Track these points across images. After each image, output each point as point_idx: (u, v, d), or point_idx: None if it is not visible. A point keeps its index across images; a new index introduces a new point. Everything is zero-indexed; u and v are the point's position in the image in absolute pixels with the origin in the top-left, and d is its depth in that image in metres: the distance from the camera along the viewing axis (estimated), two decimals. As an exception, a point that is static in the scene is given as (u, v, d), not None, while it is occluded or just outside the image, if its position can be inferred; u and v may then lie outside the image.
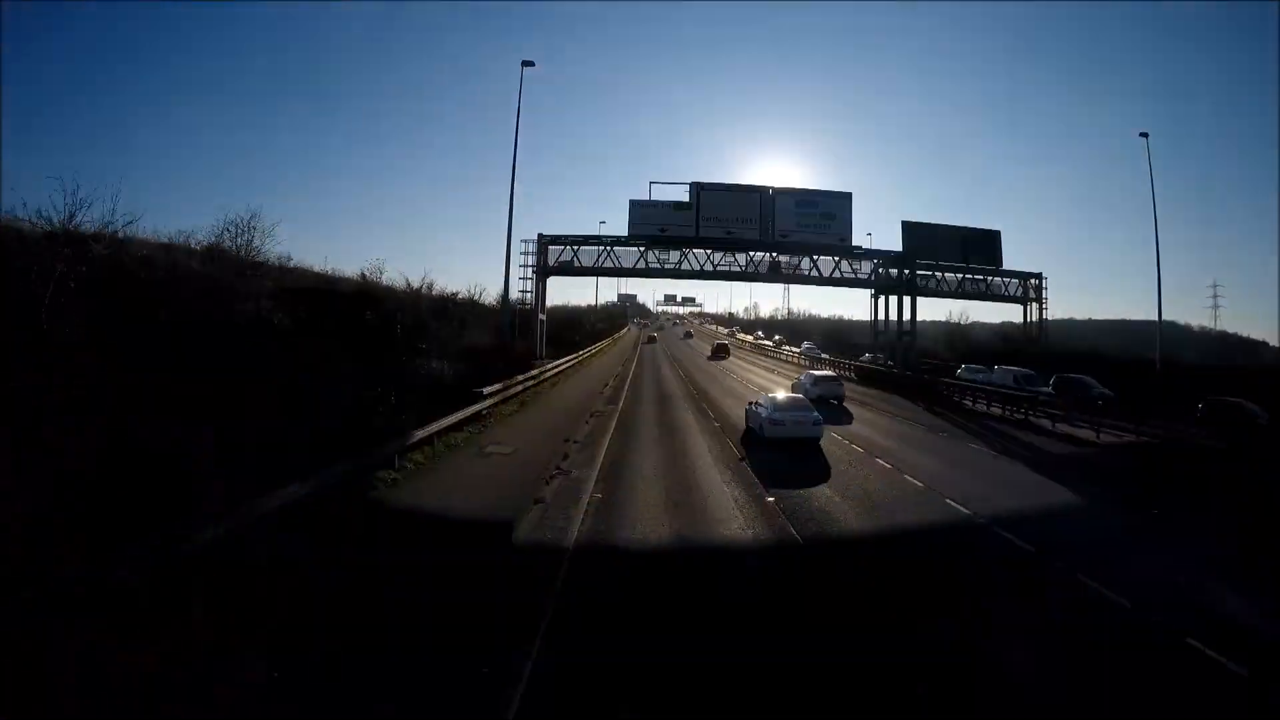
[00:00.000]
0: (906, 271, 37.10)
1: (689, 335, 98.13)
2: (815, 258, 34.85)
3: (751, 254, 34.42)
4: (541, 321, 33.67)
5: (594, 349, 53.21)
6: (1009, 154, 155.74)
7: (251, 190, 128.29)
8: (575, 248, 33.71)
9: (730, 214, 33.66)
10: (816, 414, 17.02)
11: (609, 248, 33.54)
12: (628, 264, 33.88)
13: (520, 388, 23.17)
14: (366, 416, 15.61)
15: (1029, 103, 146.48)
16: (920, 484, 13.06)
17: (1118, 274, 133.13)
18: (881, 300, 42.54)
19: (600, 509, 10.61)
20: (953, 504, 11.67)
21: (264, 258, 21.67)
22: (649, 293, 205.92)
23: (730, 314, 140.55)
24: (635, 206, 33.40)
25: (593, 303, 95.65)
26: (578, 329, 62.10)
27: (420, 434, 13.58)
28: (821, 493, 12.13)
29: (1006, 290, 48.45)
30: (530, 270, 33.07)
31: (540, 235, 33.15)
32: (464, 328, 30.18)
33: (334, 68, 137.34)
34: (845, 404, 25.12)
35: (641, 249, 33.92)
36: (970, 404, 27.24)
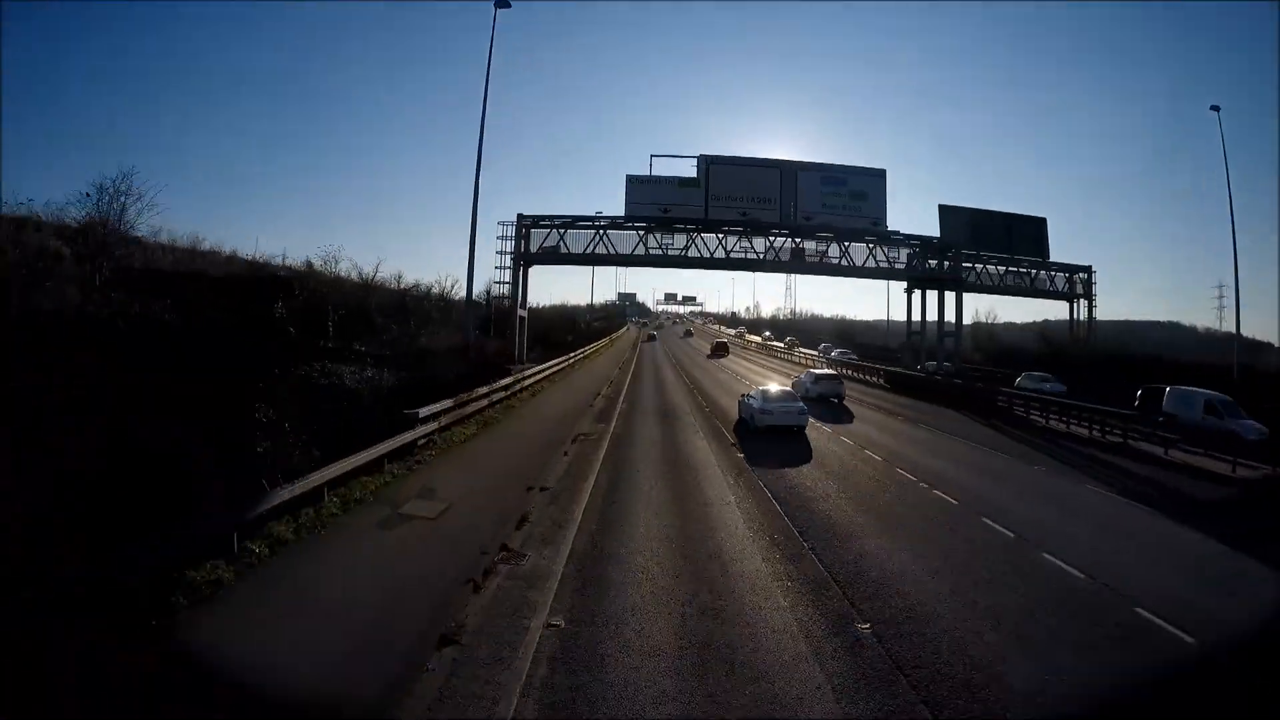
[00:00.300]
0: (948, 262, 32.29)
1: (689, 334, 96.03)
2: (846, 244, 29.91)
3: (772, 239, 29.49)
4: (522, 319, 28.78)
5: (588, 350, 48.34)
6: (1008, 151, 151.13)
7: (236, 186, 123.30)
8: (562, 231, 28.77)
9: (745, 192, 28.80)
10: (801, 404, 18.24)
11: (602, 231, 28.63)
12: (624, 250, 28.97)
13: (484, 401, 18.32)
14: (233, 456, 10.80)
15: (1034, 95, 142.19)
16: (1079, 573, 8.23)
17: (1110, 273, 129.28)
18: (916, 296, 37.95)
19: (559, 661, 5.74)
20: (1152, 619, 6.90)
21: (146, 233, 16.88)
22: (649, 291, 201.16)
23: (733, 313, 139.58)
24: (634, 183, 28.53)
25: (590, 301, 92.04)
26: (571, 328, 57.37)
27: (288, 493, 8.72)
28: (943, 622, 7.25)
29: (1053, 285, 44.02)
30: (508, 258, 28.14)
31: (520, 216, 28.25)
32: (428, 325, 25.38)
33: (324, 59, 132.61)
34: (911, 424, 20.53)
35: (641, 232, 29.01)
36: (1043, 421, 22.46)
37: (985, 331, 62.48)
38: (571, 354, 38.63)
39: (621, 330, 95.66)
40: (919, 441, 17.78)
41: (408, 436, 12.61)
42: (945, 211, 36.58)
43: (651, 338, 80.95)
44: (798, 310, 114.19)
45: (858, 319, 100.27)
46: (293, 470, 10.61)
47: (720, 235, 29.27)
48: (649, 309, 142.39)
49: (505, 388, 20.79)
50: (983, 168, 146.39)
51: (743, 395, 19.61)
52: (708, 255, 29.06)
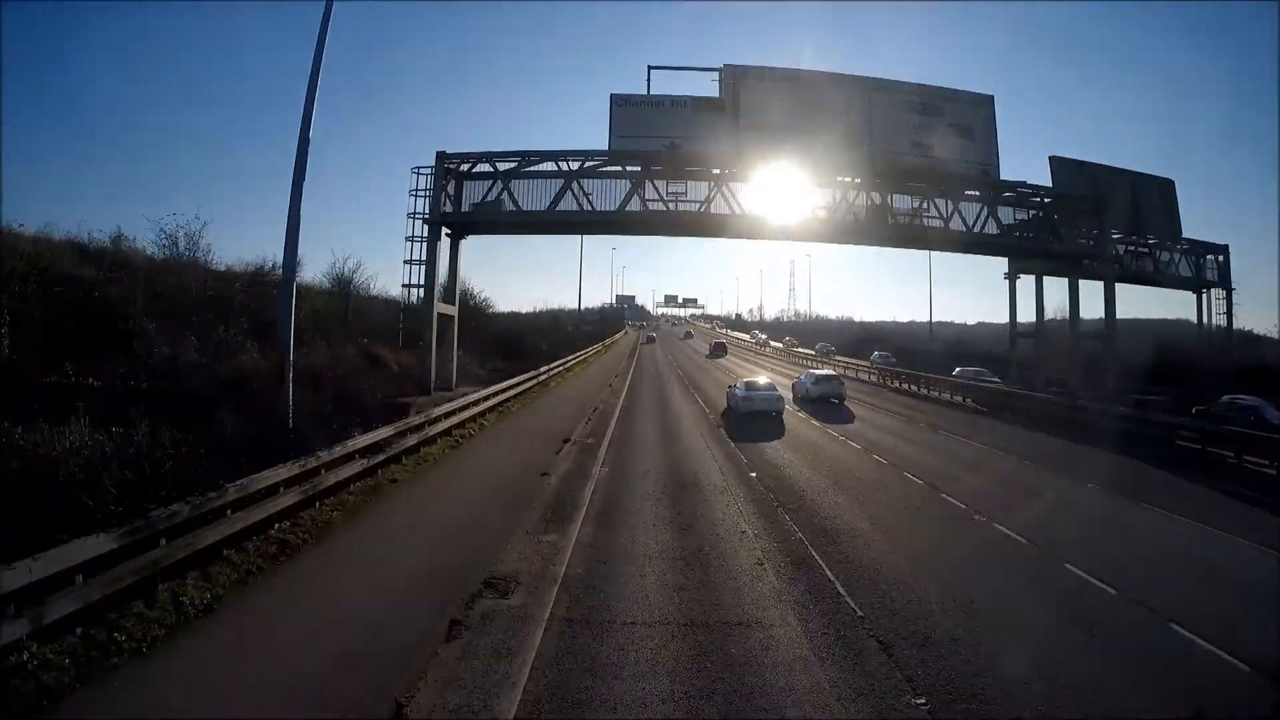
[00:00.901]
0: (1085, 234, 22.80)
1: (689, 335, 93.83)
2: (955, 205, 20.50)
3: (845, 194, 19.75)
4: (445, 319, 19.14)
5: (571, 360, 38.82)
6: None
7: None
8: (507, 181, 19.08)
9: (797, 120, 19.37)
10: (779, 393, 20.74)
11: (572, 180, 18.96)
12: (607, 205, 19.31)
13: (294, 495, 8.86)
14: None
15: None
16: None
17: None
18: (1022, 282, 28.59)
19: None
20: None
21: None
22: (649, 294, 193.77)
23: (737, 315, 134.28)
24: (622, 107, 19.07)
25: (580, 296, 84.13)
26: (553, 334, 47.78)
27: None
28: None
29: (1175, 269, 34.64)
30: (423, 222, 18.54)
31: (442, 156, 18.60)
32: (254, 334, 15.76)
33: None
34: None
35: (632, 179, 19.37)
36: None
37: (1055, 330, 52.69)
38: (542, 369, 29.10)
39: (618, 334, 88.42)
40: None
41: None
42: (1060, 167, 27.16)
43: (650, 339, 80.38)
44: (802, 311, 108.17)
45: (859, 320, 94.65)
46: None
47: (763, 188, 19.57)
48: (648, 311, 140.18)
49: (374, 448, 11.23)
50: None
51: (729, 386, 22.11)
52: (739, 213, 19.34)
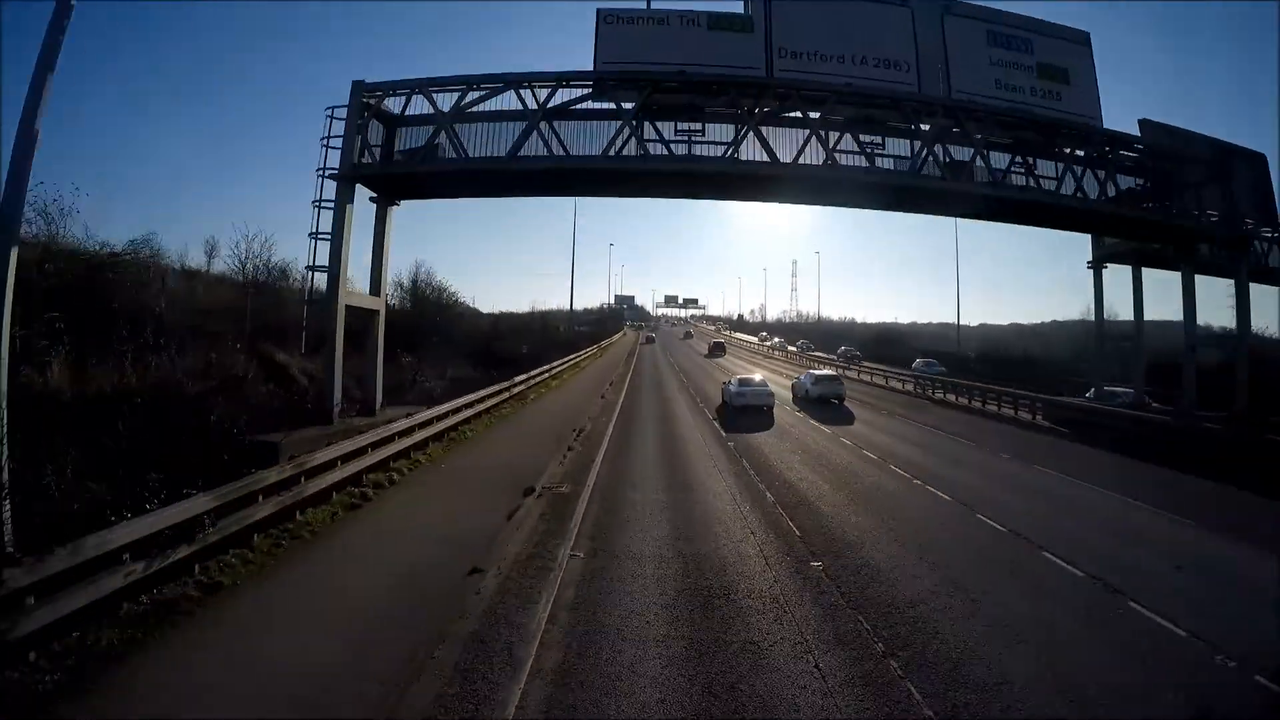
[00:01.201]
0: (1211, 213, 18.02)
1: (689, 335, 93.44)
2: (1067, 165, 15.72)
3: (925, 142, 14.63)
4: (364, 313, 14.15)
5: (562, 364, 33.91)
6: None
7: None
8: (452, 125, 14.03)
9: (846, 47, 14.59)
10: (769, 388, 22.62)
11: (539, 119, 13.93)
12: (591, 149, 14.28)
13: None
14: None
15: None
16: None
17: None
18: (1110, 273, 23.88)
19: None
20: None
21: None
22: (648, 294, 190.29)
23: (739, 316, 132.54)
24: (613, 25, 14.21)
25: (581, 303, 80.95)
26: (538, 336, 42.75)
27: None
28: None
29: (1265, 260, 29.95)
30: (332, 179, 13.59)
31: (359, 85, 13.59)
32: (76, 334, 10.86)
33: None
34: None
35: (629, 122, 14.36)
36: None
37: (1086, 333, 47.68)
38: (521, 378, 24.17)
39: (617, 335, 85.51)
40: None
41: None
42: (1153, 132, 22.52)
43: (650, 339, 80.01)
44: (804, 312, 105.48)
45: (861, 321, 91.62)
46: None
47: (814, 130, 14.37)
48: (647, 312, 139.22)
49: (181, 531, 6.39)
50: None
51: (724, 383, 24.65)
52: (764, 160, 14.12)
